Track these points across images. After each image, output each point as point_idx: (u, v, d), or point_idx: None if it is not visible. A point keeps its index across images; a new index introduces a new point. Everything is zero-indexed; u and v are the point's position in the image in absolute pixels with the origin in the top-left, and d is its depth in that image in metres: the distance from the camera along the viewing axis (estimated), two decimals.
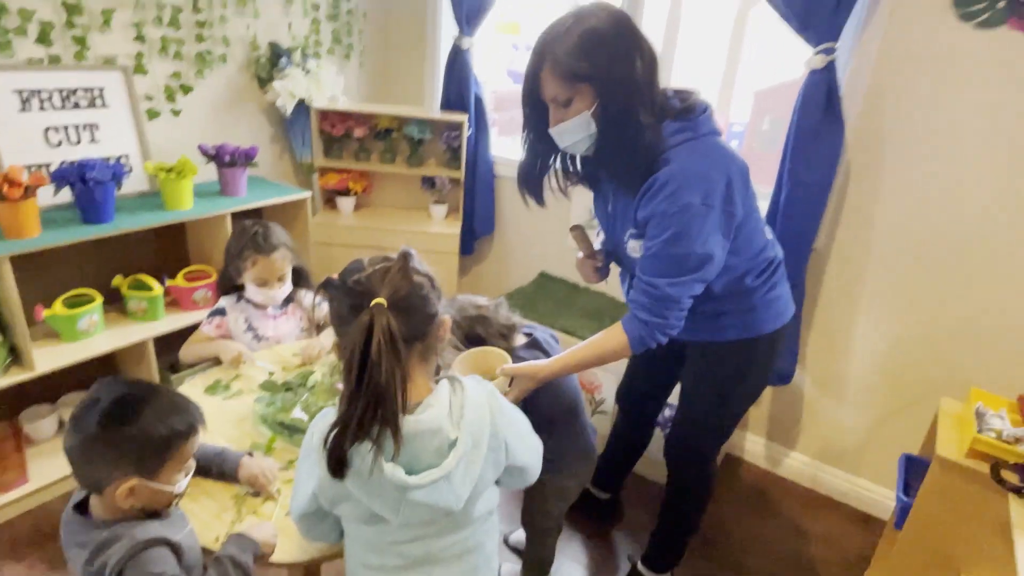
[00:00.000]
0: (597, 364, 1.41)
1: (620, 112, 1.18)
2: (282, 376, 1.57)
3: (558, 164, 1.39)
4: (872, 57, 1.83)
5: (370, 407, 0.84)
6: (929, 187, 1.84)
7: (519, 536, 1.86)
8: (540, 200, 1.42)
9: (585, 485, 1.63)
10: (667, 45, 2.42)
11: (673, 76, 2.52)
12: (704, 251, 1.22)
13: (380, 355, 0.83)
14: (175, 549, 0.98)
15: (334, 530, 1.04)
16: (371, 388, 0.83)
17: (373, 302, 0.85)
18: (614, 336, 1.34)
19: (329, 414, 0.94)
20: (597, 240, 1.60)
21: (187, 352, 1.66)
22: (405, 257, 0.93)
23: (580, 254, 1.58)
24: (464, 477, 0.92)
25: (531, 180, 1.39)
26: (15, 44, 1.82)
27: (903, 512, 1.52)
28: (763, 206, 2.07)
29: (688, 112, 1.24)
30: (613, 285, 2.52)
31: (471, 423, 0.94)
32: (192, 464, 1.05)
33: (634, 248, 1.33)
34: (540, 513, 1.62)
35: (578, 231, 1.54)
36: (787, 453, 2.35)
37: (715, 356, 1.49)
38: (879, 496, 2.17)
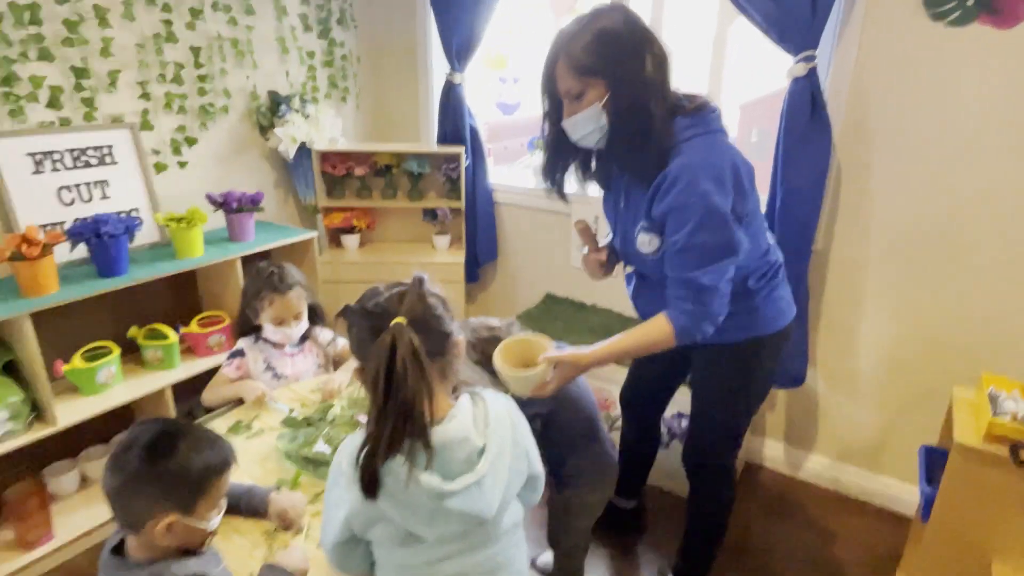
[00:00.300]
0: (640, 354, 1.43)
1: (630, 105, 1.23)
2: (302, 412, 1.59)
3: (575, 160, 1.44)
4: (851, 60, 1.89)
5: (399, 421, 0.87)
6: (920, 181, 1.88)
7: (547, 558, 1.85)
8: (562, 195, 1.47)
9: (608, 499, 1.63)
10: None
11: None
12: (729, 233, 1.25)
13: (405, 370, 0.86)
14: None
15: (366, 559, 1.04)
16: (399, 403, 0.86)
17: (393, 321, 0.89)
18: (659, 326, 1.33)
19: (354, 440, 0.96)
20: (604, 238, 1.63)
21: (210, 396, 1.69)
22: (419, 281, 0.97)
23: (585, 250, 1.59)
24: (494, 484, 0.95)
25: (551, 175, 1.45)
26: (27, 109, 1.90)
27: (928, 503, 1.52)
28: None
29: (699, 110, 1.29)
30: (620, 301, 2.56)
31: (495, 431, 0.97)
32: (224, 502, 1.08)
33: (643, 242, 1.35)
34: (566, 531, 1.63)
35: (582, 225, 1.56)
36: (806, 456, 2.35)
37: (720, 358, 1.50)
38: (903, 492, 2.16)
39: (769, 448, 2.41)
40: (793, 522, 2.13)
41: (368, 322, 0.93)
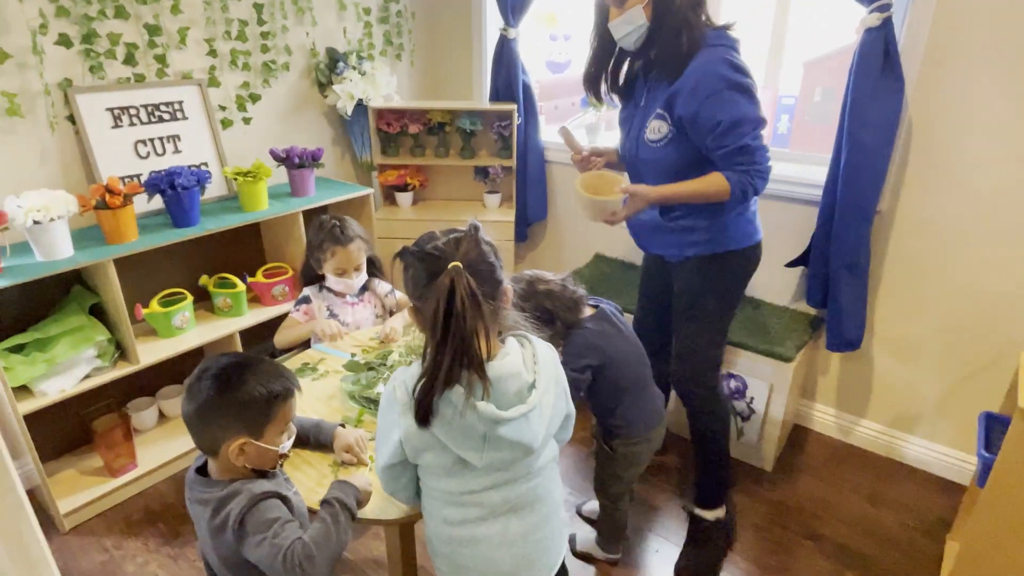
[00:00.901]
0: (698, 200, 1.54)
1: (668, 7, 1.42)
2: (363, 357, 1.67)
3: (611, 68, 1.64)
4: (931, 10, 1.79)
5: (457, 356, 0.92)
6: (998, 141, 1.79)
7: (592, 505, 1.92)
8: (600, 98, 1.68)
9: (655, 450, 1.67)
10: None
11: None
12: (756, 104, 1.45)
13: (464, 308, 0.91)
14: (286, 502, 1.08)
15: (412, 484, 1.10)
16: (457, 339, 0.91)
17: (450, 264, 0.93)
18: (717, 181, 1.48)
19: (409, 370, 1.02)
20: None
21: (283, 337, 1.78)
22: (475, 228, 1.02)
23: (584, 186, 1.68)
24: (540, 417, 1.02)
25: (592, 79, 1.65)
26: (105, 66, 1.99)
27: (985, 469, 1.49)
28: (821, 172, 2.07)
29: (726, 28, 1.49)
30: None
31: (543, 370, 1.04)
32: (293, 429, 1.16)
33: (653, 129, 1.54)
34: (612, 479, 1.68)
35: (565, 131, 1.71)
36: (858, 422, 2.32)
37: (693, 270, 1.64)
38: (959, 460, 2.12)
39: (819, 412, 2.39)
40: (842, 486, 2.13)
41: (425, 264, 0.98)
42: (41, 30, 1.83)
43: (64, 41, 1.88)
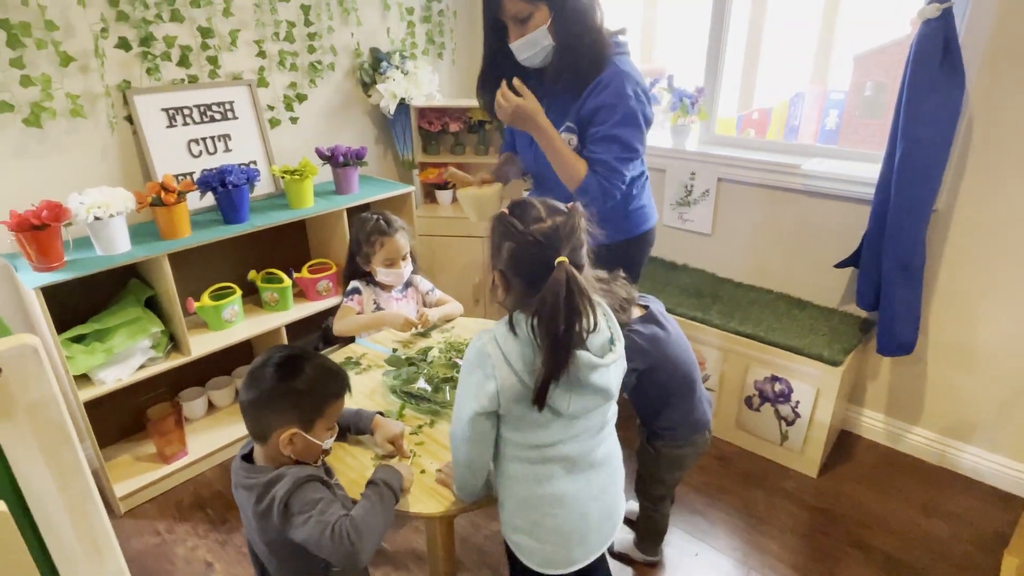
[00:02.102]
0: (556, 163, 1.57)
1: (573, 22, 1.46)
2: (405, 352, 1.70)
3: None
4: (994, 2, 1.70)
5: (573, 344, 1.00)
6: None
7: (632, 506, 1.90)
8: (493, 112, 1.63)
9: (700, 454, 1.64)
10: (756, 12, 2.36)
11: (763, 45, 2.46)
12: (640, 136, 1.55)
13: (583, 303, 0.99)
14: (327, 486, 1.11)
15: (491, 445, 1.12)
16: (572, 331, 0.99)
17: (558, 260, 0.98)
18: (580, 166, 1.56)
19: (498, 329, 1.07)
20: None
21: (344, 326, 1.81)
22: (579, 215, 1.05)
23: (468, 189, 1.75)
24: (617, 368, 1.12)
25: (483, 96, 1.67)
26: (161, 68, 2.07)
27: None
28: (872, 169, 2.01)
29: (618, 34, 1.55)
30: (713, 261, 2.50)
31: (615, 324, 1.14)
32: (336, 428, 1.19)
33: (565, 142, 1.57)
34: (654, 481, 1.66)
35: (451, 173, 1.78)
36: (909, 429, 2.23)
37: (605, 258, 1.63)
38: (1019, 472, 2.02)
39: (868, 418, 2.31)
40: (891, 495, 2.06)
41: (532, 248, 1.01)
42: (102, 34, 1.91)
43: (123, 44, 1.96)
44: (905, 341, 2.00)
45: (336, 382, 1.14)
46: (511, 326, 1.05)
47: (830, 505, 2.01)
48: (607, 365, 1.07)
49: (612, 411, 1.18)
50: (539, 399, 1.02)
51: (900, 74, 1.81)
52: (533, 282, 1.00)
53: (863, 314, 2.19)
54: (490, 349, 1.05)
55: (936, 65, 1.72)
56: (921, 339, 2.08)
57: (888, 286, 1.94)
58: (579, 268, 1.03)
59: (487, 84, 1.64)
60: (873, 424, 2.30)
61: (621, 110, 1.50)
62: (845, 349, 2.01)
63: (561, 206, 1.06)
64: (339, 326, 1.82)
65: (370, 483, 1.14)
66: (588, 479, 1.14)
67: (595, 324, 1.04)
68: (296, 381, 1.08)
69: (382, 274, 1.83)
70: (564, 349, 0.99)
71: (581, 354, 1.02)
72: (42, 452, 0.52)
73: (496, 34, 1.55)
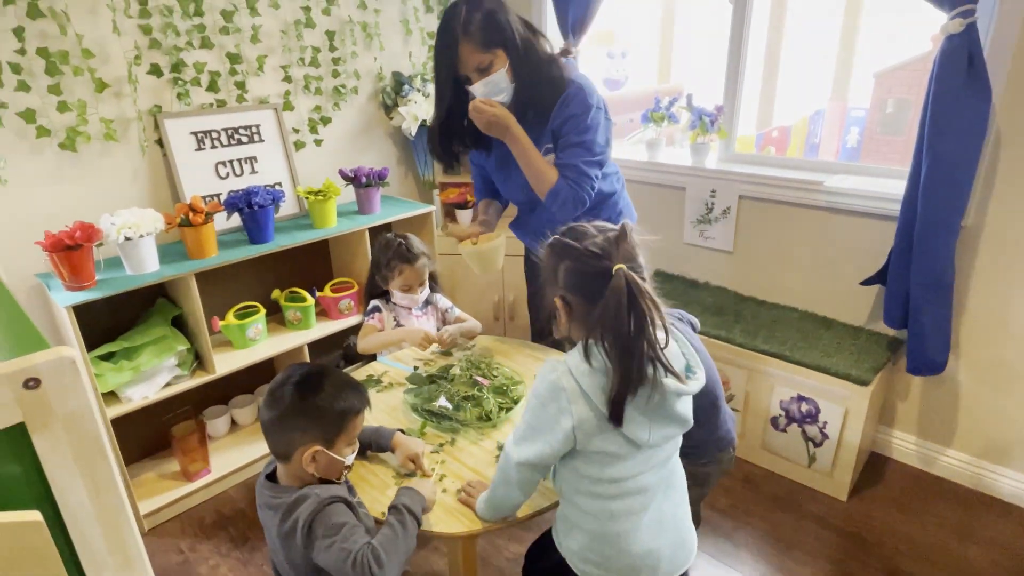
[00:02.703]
0: (529, 170, 1.62)
1: (528, 60, 1.53)
2: (425, 370, 1.70)
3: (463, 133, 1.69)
4: (1021, 15, 1.69)
5: (648, 352, 0.97)
6: None
7: None
8: (453, 163, 1.75)
9: (725, 471, 1.61)
10: (774, 30, 2.37)
11: (782, 63, 2.46)
12: (603, 141, 1.61)
13: (647, 305, 0.97)
14: (352, 508, 1.11)
15: (528, 494, 1.14)
16: (642, 336, 0.97)
17: (616, 267, 0.97)
18: (551, 174, 1.60)
19: (568, 361, 1.04)
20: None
21: (367, 343, 1.82)
22: (631, 229, 1.05)
23: (470, 244, 1.74)
24: (690, 395, 1.08)
25: (446, 147, 1.71)
26: (191, 93, 2.13)
27: None
28: (896, 185, 1.98)
29: (566, 54, 1.65)
30: (734, 279, 2.47)
31: (693, 356, 1.11)
32: (357, 444, 1.19)
33: (548, 162, 1.63)
34: None
35: (448, 230, 1.79)
36: (942, 451, 2.17)
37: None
38: None
39: (898, 440, 2.25)
40: (925, 520, 1.99)
41: (588, 260, 1.01)
42: (136, 61, 1.98)
43: (155, 70, 2.02)
44: (936, 360, 1.95)
45: (356, 397, 1.14)
46: (585, 355, 1.02)
47: (861, 530, 1.95)
48: (692, 392, 1.05)
49: (680, 437, 1.15)
50: (615, 414, 0.99)
51: (923, 90, 1.80)
52: (594, 299, 0.99)
53: (891, 332, 2.15)
54: (565, 382, 1.02)
55: (961, 80, 1.71)
56: (953, 357, 2.03)
57: (917, 304, 1.91)
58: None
59: (444, 137, 1.69)
60: (904, 446, 2.24)
61: (585, 119, 1.57)
62: (874, 368, 1.96)
63: (610, 225, 1.07)
64: (362, 344, 1.83)
65: (392, 508, 1.13)
66: (660, 507, 1.11)
67: (666, 339, 1.01)
68: (316, 398, 1.09)
69: (398, 296, 1.85)
70: (635, 356, 0.96)
71: (668, 382, 1.00)
72: (77, 463, 0.53)
73: (454, 89, 1.58)
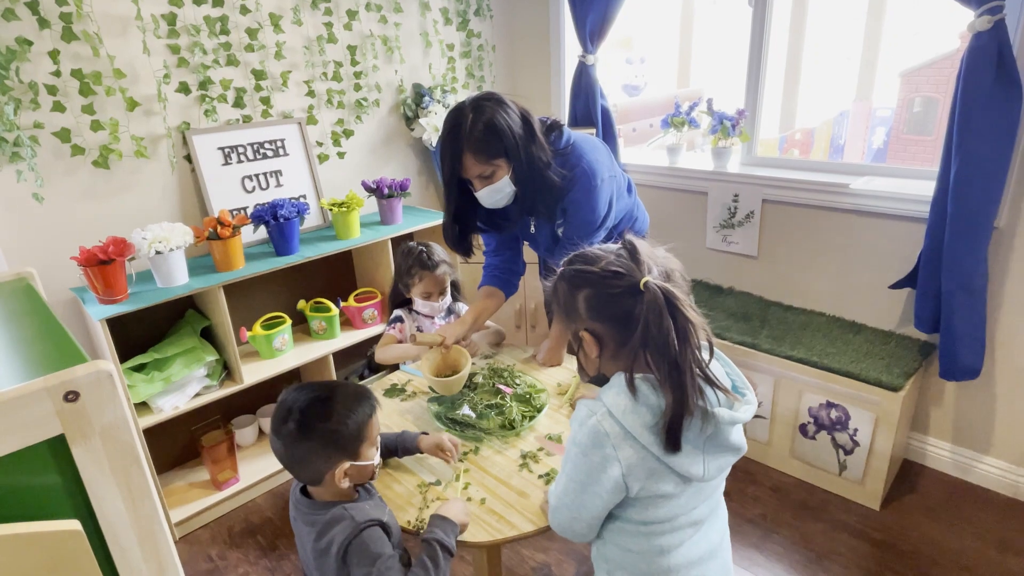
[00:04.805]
0: None
1: (531, 163, 1.50)
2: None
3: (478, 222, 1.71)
4: None
5: (695, 369, 0.89)
6: None
7: None
8: (469, 253, 1.74)
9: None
10: (796, 31, 2.34)
11: (804, 65, 2.43)
12: (608, 204, 1.63)
13: (689, 315, 0.89)
14: (386, 528, 1.11)
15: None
16: (687, 350, 0.88)
17: (643, 280, 0.90)
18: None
19: (605, 399, 0.95)
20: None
21: (384, 354, 1.84)
22: (635, 238, 0.99)
23: (431, 360, 1.66)
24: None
25: (461, 243, 1.71)
26: (218, 109, 2.19)
27: None
28: (924, 186, 1.94)
29: (557, 139, 1.58)
30: (760, 285, 2.44)
31: (740, 377, 1.02)
32: (379, 439, 1.18)
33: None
34: None
35: (416, 339, 1.68)
36: (979, 458, 2.11)
37: None
38: None
39: (932, 447, 2.19)
40: (962, 530, 1.93)
41: (612, 281, 0.93)
42: (165, 80, 2.04)
43: (183, 88, 2.08)
44: (970, 365, 1.90)
45: (365, 404, 1.12)
46: (630, 388, 0.92)
47: (896, 540, 1.90)
48: (747, 419, 0.95)
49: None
50: (672, 440, 0.90)
51: (951, 88, 1.76)
52: (628, 322, 0.90)
53: (922, 336, 2.10)
54: (607, 426, 0.93)
55: (990, 78, 1.67)
56: (987, 361, 1.97)
57: (949, 307, 1.86)
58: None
59: (456, 228, 1.69)
60: (939, 453, 2.18)
61: (590, 201, 1.58)
62: (905, 373, 1.92)
63: (611, 245, 1.00)
64: (380, 354, 1.85)
65: (425, 542, 1.11)
66: (709, 537, 1.05)
67: (710, 356, 0.93)
68: (329, 424, 1.07)
69: (419, 304, 1.86)
70: (686, 372, 0.88)
71: (719, 411, 0.91)
72: (114, 473, 0.54)
73: (460, 187, 1.58)
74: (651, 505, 0.97)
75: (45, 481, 0.52)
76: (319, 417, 1.07)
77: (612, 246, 1.00)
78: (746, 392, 0.99)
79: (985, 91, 1.68)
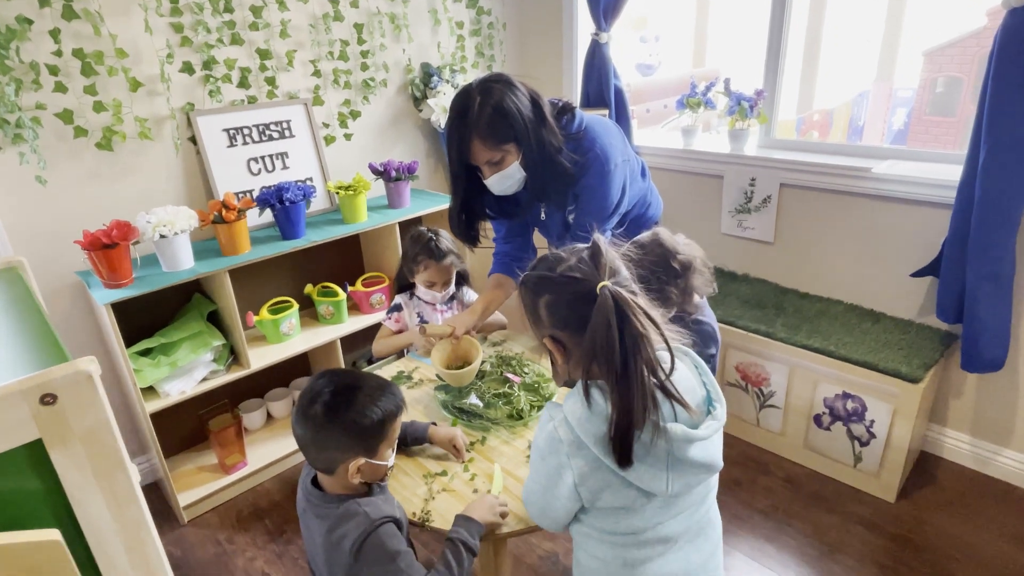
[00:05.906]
0: None
1: (541, 148, 1.44)
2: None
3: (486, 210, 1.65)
4: None
5: (646, 378, 0.85)
6: None
7: None
8: (476, 243, 1.66)
9: None
10: (816, 10, 2.25)
11: (824, 44, 2.35)
12: (621, 190, 1.57)
13: (641, 322, 0.85)
14: (398, 524, 1.08)
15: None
16: (639, 359, 0.84)
17: (599, 285, 0.86)
18: None
19: (566, 405, 0.93)
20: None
21: (379, 347, 1.83)
22: (602, 240, 0.94)
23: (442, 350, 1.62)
24: (719, 431, 0.94)
25: (466, 228, 1.64)
26: (223, 90, 2.14)
27: None
28: (953, 170, 1.87)
29: (569, 123, 1.52)
30: (775, 271, 2.38)
31: (711, 379, 0.98)
32: (396, 443, 1.16)
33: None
34: None
35: (425, 331, 1.61)
36: (999, 451, 2.05)
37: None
38: None
39: (951, 439, 2.14)
40: (980, 524, 1.89)
41: (570, 287, 0.91)
42: (168, 59, 1.99)
43: (187, 68, 2.04)
44: (993, 356, 1.84)
45: (391, 402, 1.10)
46: (585, 396, 0.90)
47: (912, 533, 1.87)
48: (706, 438, 0.90)
49: (715, 478, 1.02)
50: (620, 455, 0.86)
51: (976, 68, 1.69)
52: (583, 328, 0.87)
53: (944, 326, 2.04)
54: (562, 433, 0.92)
55: None
56: (1011, 353, 1.91)
57: (974, 297, 1.80)
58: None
59: (463, 216, 1.63)
60: (957, 445, 2.13)
61: (602, 187, 1.53)
62: (925, 364, 1.87)
63: (580, 244, 0.96)
64: (375, 347, 1.84)
65: (448, 541, 1.09)
66: (687, 556, 0.99)
67: (671, 362, 0.89)
68: (353, 413, 1.05)
69: (421, 291, 1.84)
70: (634, 383, 0.84)
71: (672, 429, 0.87)
72: (97, 479, 0.51)
73: (467, 173, 1.53)
74: (611, 515, 0.94)
75: (24, 487, 0.50)
76: (343, 405, 1.05)
77: (579, 246, 0.96)
78: (717, 407, 0.94)
79: (1019, 72, 1.60)
